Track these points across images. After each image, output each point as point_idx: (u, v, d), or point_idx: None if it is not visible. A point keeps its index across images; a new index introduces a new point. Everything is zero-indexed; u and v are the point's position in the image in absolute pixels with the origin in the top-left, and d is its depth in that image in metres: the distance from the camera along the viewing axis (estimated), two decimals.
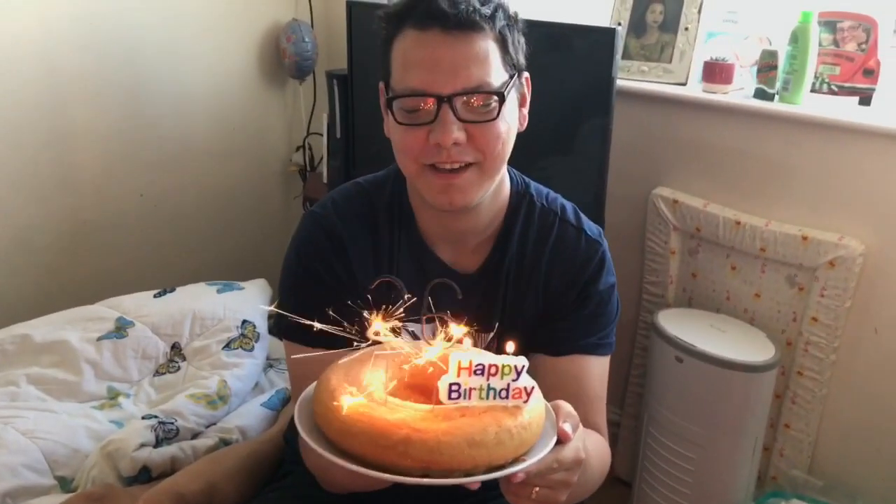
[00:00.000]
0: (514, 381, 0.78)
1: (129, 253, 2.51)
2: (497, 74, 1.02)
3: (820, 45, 1.82)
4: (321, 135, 2.61)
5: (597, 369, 1.17)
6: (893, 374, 1.81)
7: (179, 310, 1.93)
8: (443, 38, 0.99)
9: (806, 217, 1.85)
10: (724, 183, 1.98)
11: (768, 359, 1.81)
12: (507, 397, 0.79)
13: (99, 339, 1.82)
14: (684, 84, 2.01)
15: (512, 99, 1.06)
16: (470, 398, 0.78)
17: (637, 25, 2.08)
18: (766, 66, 1.86)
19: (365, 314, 0.83)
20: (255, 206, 2.80)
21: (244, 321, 1.91)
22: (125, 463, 1.44)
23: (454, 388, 0.77)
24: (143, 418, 1.57)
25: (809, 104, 1.82)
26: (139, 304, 1.96)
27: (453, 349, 0.81)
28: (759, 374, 1.81)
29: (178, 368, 1.83)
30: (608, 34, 1.75)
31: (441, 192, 1.04)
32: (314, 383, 0.86)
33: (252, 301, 2.00)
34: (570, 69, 1.86)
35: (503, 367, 0.78)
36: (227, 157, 2.71)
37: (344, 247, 1.14)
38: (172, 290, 2.06)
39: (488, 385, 0.78)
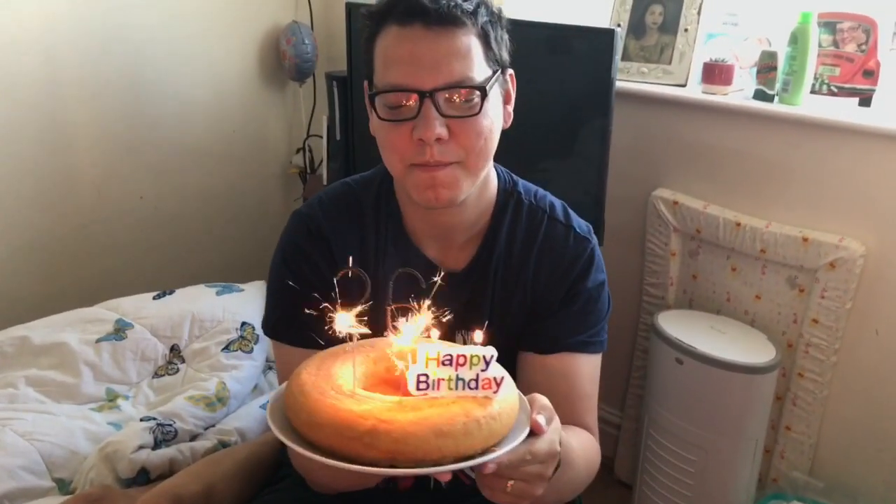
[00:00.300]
0: (482, 371, 0.78)
1: (129, 255, 2.51)
2: (479, 70, 1.02)
3: (820, 46, 1.82)
4: (321, 137, 2.61)
5: (586, 368, 1.16)
6: (894, 376, 1.80)
7: (178, 312, 1.93)
8: (424, 33, 0.99)
9: (806, 218, 1.85)
10: (724, 184, 1.97)
11: (769, 360, 1.81)
12: (476, 388, 0.79)
13: (98, 340, 1.81)
14: (684, 85, 2.00)
15: (495, 95, 1.06)
16: (438, 389, 0.78)
17: (636, 27, 2.08)
18: (766, 67, 1.86)
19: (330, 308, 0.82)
20: (255, 209, 2.80)
21: (243, 323, 1.91)
22: (123, 465, 1.44)
23: (422, 378, 0.77)
24: (141, 420, 1.57)
25: (809, 105, 1.82)
26: (138, 306, 1.96)
27: (422, 341, 0.81)
28: (759, 376, 1.80)
29: (177, 370, 1.83)
30: (607, 35, 1.75)
31: (427, 187, 1.04)
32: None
33: (251, 303, 2.00)
34: (570, 71, 1.86)
35: (471, 357, 0.78)
36: (227, 159, 2.71)
37: (329, 246, 1.15)
38: (172, 291, 2.06)
39: (457, 375, 0.78)
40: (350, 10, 2.14)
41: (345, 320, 0.80)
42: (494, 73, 1.05)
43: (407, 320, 0.83)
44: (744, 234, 1.91)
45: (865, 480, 1.89)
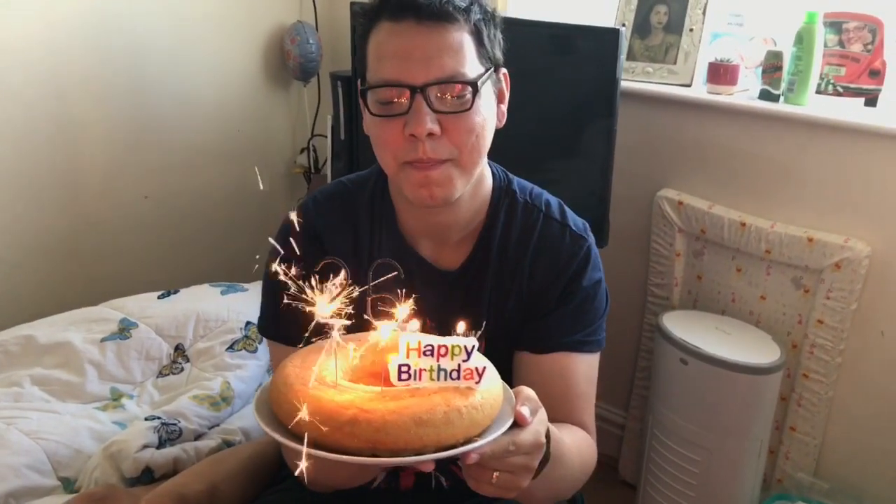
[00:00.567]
0: (464, 361, 0.79)
1: (134, 254, 2.51)
2: (472, 66, 1.02)
3: (825, 45, 1.82)
4: (325, 136, 2.61)
5: (583, 367, 1.15)
6: None
7: (183, 311, 1.93)
8: (416, 28, 1.00)
9: (811, 219, 1.84)
10: (729, 184, 1.97)
11: (774, 361, 1.81)
12: (458, 378, 0.79)
13: (102, 340, 1.82)
14: (689, 85, 2.00)
15: (488, 92, 1.06)
16: (420, 379, 0.78)
17: (641, 26, 2.08)
18: (771, 67, 1.86)
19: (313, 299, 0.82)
20: (260, 208, 2.80)
21: (248, 323, 1.91)
22: (128, 464, 1.44)
23: (403, 369, 0.78)
24: (146, 419, 1.57)
25: (815, 105, 1.82)
26: (143, 306, 1.96)
27: (402, 332, 0.82)
28: (764, 377, 1.80)
29: (182, 370, 1.83)
30: (612, 35, 1.75)
31: (420, 185, 1.04)
32: None
33: (256, 303, 1.98)
34: (575, 70, 1.86)
35: (452, 347, 0.78)
36: (232, 158, 2.72)
37: (322, 244, 1.15)
38: (176, 291, 2.06)
39: (438, 366, 0.78)
40: (354, 9, 2.14)
41: (324, 307, 0.80)
42: (487, 70, 1.05)
43: (387, 310, 0.83)
44: (749, 235, 1.90)
45: (871, 481, 1.89)
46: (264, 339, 1.86)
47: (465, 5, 1.02)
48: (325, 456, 0.74)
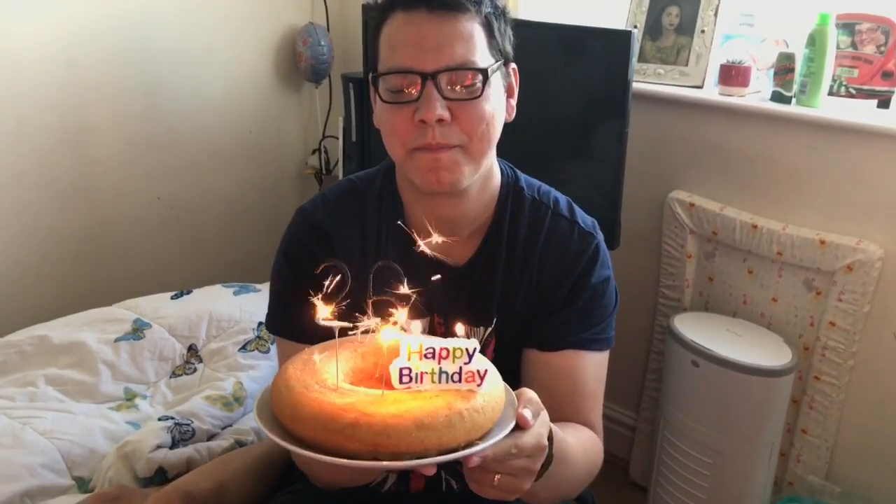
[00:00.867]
0: (465, 364, 0.78)
1: (147, 255, 2.53)
2: (482, 55, 1.03)
3: (838, 47, 1.81)
4: (337, 138, 2.62)
5: (591, 365, 1.15)
6: None
7: (196, 312, 1.94)
8: (428, 17, 1.02)
9: (823, 221, 1.84)
10: (740, 186, 1.97)
11: (785, 363, 1.80)
12: (459, 381, 0.79)
13: (116, 340, 1.83)
14: (700, 87, 2.00)
15: (497, 84, 1.07)
16: (422, 382, 0.78)
17: (653, 28, 2.08)
18: (783, 68, 1.85)
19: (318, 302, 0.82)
20: (272, 209, 2.81)
21: (260, 323, 1.92)
22: (141, 464, 1.45)
23: (405, 372, 0.78)
24: (159, 419, 1.58)
25: (827, 107, 1.81)
26: (156, 306, 1.98)
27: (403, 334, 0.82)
28: (775, 379, 1.79)
29: (195, 370, 1.84)
30: (624, 37, 1.75)
31: (429, 169, 1.04)
32: None
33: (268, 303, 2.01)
34: (586, 72, 1.86)
35: (454, 349, 0.78)
36: (244, 160, 2.73)
37: (330, 241, 1.16)
38: (189, 291, 2.07)
39: (440, 369, 0.78)
40: (366, 11, 2.15)
41: (324, 312, 0.80)
42: (497, 62, 1.06)
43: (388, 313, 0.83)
44: (760, 237, 1.90)
45: (882, 485, 1.88)
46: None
47: None
48: (326, 459, 0.74)
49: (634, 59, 1.77)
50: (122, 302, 2.01)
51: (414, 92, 1.02)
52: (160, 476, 1.45)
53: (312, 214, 1.18)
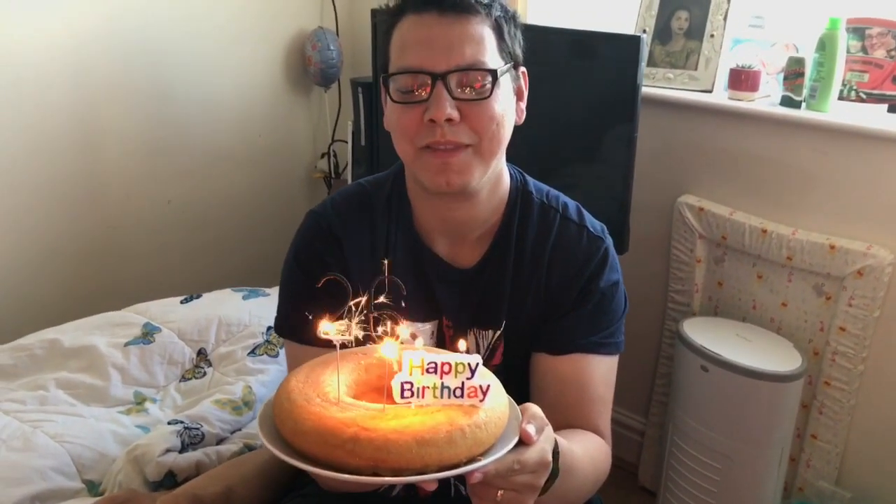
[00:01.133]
0: (468, 379, 0.78)
1: (157, 259, 2.54)
2: (492, 57, 1.04)
3: (848, 51, 1.80)
4: (346, 142, 2.62)
5: (599, 370, 1.15)
6: None
7: (205, 316, 1.95)
8: (439, 20, 1.03)
9: (833, 226, 1.83)
10: (750, 191, 1.96)
11: (795, 368, 1.80)
12: (462, 396, 0.78)
13: (126, 344, 1.84)
14: (710, 91, 2.00)
15: (507, 85, 1.08)
16: (423, 397, 0.78)
17: (662, 32, 2.07)
18: (793, 73, 1.85)
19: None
20: (281, 213, 2.82)
21: (269, 327, 1.93)
22: (151, 468, 1.45)
23: (406, 386, 0.77)
24: (168, 423, 1.58)
25: (837, 112, 1.80)
26: (166, 310, 1.98)
27: (406, 348, 0.81)
28: (785, 384, 1.79)
29: (204, 374, 1.85)
30: (633, 42, 1.75)
31: (438, 171, 1.05)
32: None
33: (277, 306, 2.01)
34: (596, 77, 1.86)
35: (456, 364, 0.78)
36: (253, 164, 2.74)
37: (340, 244, 1.16)
38: (199, 296, 2.08)
39: (442, 384, 0.78)
40: (375, 15, 2.15)
41: (327, 327, 0.80)
42: (506, 64, 1.07)
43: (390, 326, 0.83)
44: (770, 241, 1.89)
45: (893, 490, 1.87)
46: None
47: (486, 0, 1.05)
48: (326, 474, 0.74)
49: (643, 63, 1.77)
50: (132, 306, 2.02)
51: (424, 93, 1.03)
52: (170, 480, 1.46)
53: (322, 217, 1.18)
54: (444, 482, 1.21)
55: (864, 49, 1.83)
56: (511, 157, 1.17)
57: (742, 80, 1.92)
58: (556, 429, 0.92)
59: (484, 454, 0.79)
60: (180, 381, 1.84)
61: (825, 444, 1.91)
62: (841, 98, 1.84)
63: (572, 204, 1.22)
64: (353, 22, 2.82)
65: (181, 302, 2.04)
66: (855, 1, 1.86)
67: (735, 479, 1.87)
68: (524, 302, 1.16)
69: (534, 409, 0.87)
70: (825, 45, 1.77)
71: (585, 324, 1.15)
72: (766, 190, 1.93)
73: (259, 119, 2.71)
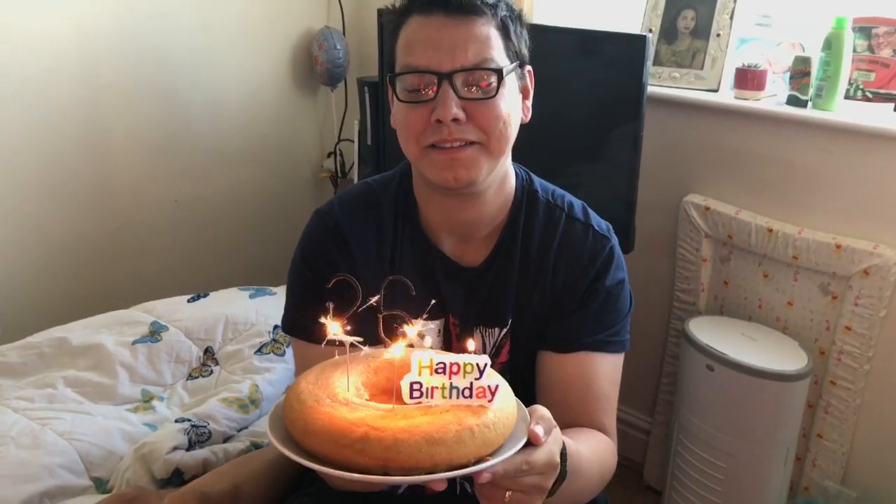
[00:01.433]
0: (476, 379, 0.78)
1: (164, 258, 2.55)
2: (498, 57, 1.05)
3: (854, 50, 1.80)
4: (352, 141, 2.63)
5: (605, 368, 1.16)
6: None
7: (213, 314, 1.96)
8: (445, 20, 1.03)
9: (839, 225, 1.83)
10: (756, 190, 1.96)
11: (801, 368, 1.80)
12: (470, 396, 0.79)
13: (134, 342, 1.84)
14: (716, 90, 2.00)
15: (512, 84, 1.08)
16: (432, 397, 0.78)
17: (668, 32, 2.08)
18: (799, 72, 1.85)
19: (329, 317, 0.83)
20: (287, 212, 2.83)
21: (275, 326, 1.93)
22: (158, 465, 1.46)
23: (415, 387, 0.78)
24: (176, 421, 1.59)
25: (843, 111, 1.80)
26: (173, 309, 1.99)
27: (415, 349, 0.82)
28: (791, 384, 1.79)
29: (211, 372, 1.86)
30: (639, 41, 1.75)
31: (445, 168, 1.06)
32: None
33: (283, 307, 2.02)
34: (602, 76, 1.86)
35: (465, 365, 0.78)
36: (260, 163, 2.75)
37: (347, 242, 1.17)
38: (206, 294, 2.09)
39: (451, 384, 0.78)
40: (381, 15, 2.16)
41: (336, 329, 0.81)
42: (512, 63, 1.07)
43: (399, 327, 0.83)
44: (776, 241, 1.89)
45: None
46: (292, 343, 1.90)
47: (492, 1, 1.06)
48: (336, 474, 0.75)
49: (649, 62, 1.77)
50: (139, 304, 2.03)
51: (430, 92, 1.03)
52: (177, 477, 1.46)
53: (329, 216, 1.19)
54: (450, 481, 1.22)
55: (870, 48, 1.83)
56: (517, 156, 1.17)
57: (748, 79, 1.92)
58: (562, 426, 0.92)
59: (492, 455, 0.79)
60: (187, 379, 1.85)
61: (831, 443, 1.91)
62: (847, 97, 1.84)
63: (578, 203, 1.22)
64: (360, 21, 2.82)
65: (188, 301, 2.05)
66: (861, 0, 1.86)
67: (741, 479, 1.87)
68: (530, 300, 1.17)
69: (542, 410, 0.88)
70: (831, 45, 1.77)
71: (591, 322, 1.15)
72: (772, 189, 1.93)
73: (265, 118, 2.72)
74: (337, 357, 0.88)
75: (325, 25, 2.72)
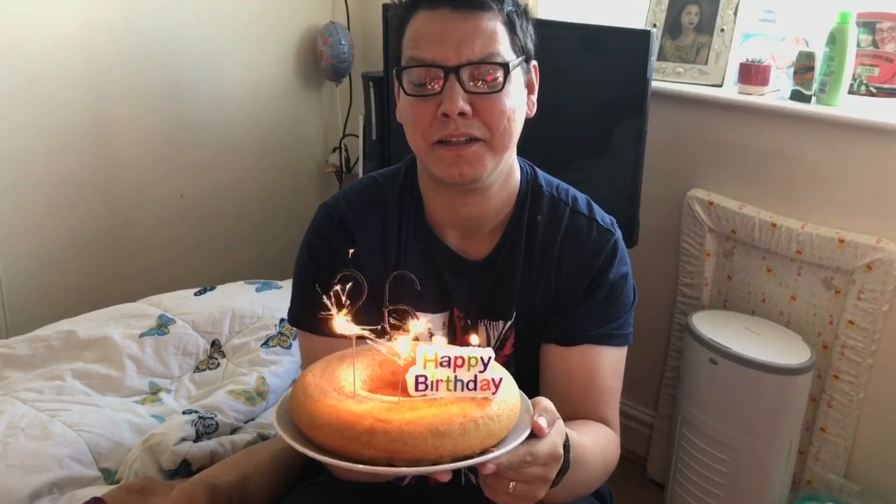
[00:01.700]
0: (480, 372, 0.80)
1: (170, 252, 2.56)
2: (504, 51, 1.06)
3: (858, 45, 1.81)
4: (357, 136, 2.64)
5: (608, 361, 1.16)
6: None
7: (219, 308, 1.97)
8: (452, 15, 1.04)
9: (843, 220, 1.84)
10: (759, 185, 1.97)
11: (804, 362, 1.80)
12: (475, 388, 0.80)
13: (141, 335, 1.86)
14: (720, 86, 2.00)
15: (518, 80, 1.09)
16: (437, 390, 0.79)
17: (672, 27, 2.08)
18: (803, 67, 1.85)
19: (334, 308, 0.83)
20: (292, 207, 2.84)
21: (282, 319, 1.95)
22: (166, 456, 1.47)
23: (421, 379, 0.79)
24: (183, 413, 1.60)
25: (847, 106, 1.81)
26: (180, 302, 2.00)
27: (422, 343, 0.83)
28: (794, 377, 1.80)
29: (218, 365, 1.87)
30: (643, 36, 1.76)
31: (451, 164, 1.06)
32: None
33: (289, 300, 2.03)
34: (606, 71, 1.87)
35: (469, 358, 0.79)
36: (265, 158, 2.76)
37: (352, 235, 1.17)
38: (213, 288, 2.10)
39: (455, 377, 0.79)
40: (387, 10, 2.17)
41: (341, 322, 0.82)
42: (518, 58, 1.08)
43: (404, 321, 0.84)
44: (779, 235, 1.90)
45: None
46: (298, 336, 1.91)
47: None
48: (343, 465, 0.76)
49: (654, 57, 1.77)
50: (146, 298, 2.05)
51: (437, 86, 1.04)
52: (185, 468, 1.48)
53: (334, 210, 1.20)
54: (455, 472, 1.23)
55: (874, 43, 1.83)
56: (522, 151, 1.18)
57: (752, 74, 1.92)
58: (565, 419, 0.93)
59: (496, 446, 0.80)
60: (194, 371, 1.86)
61: (834, 437, 1.92)
62: (851, 92, 1.84)
63: (582, 197, 1.23)
64: (364, 16, 2.83)
65: (195, 294, 2.06)
66: None
67: (743, 472, 1.88)
68: (534, 294, 1.18)
69: (545, 402, 0.89)
70: (835, 40, 1.77)
71: (594, 316, 1.16)
72: (776, 184, 1.94)
73: (270, 113, 2.73)
74: (342, 351, 0.89)
75: (329, 20, 2.73)
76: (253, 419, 1.68)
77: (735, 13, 1.97)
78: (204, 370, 1.86)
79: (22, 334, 1.88)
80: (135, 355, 1.81)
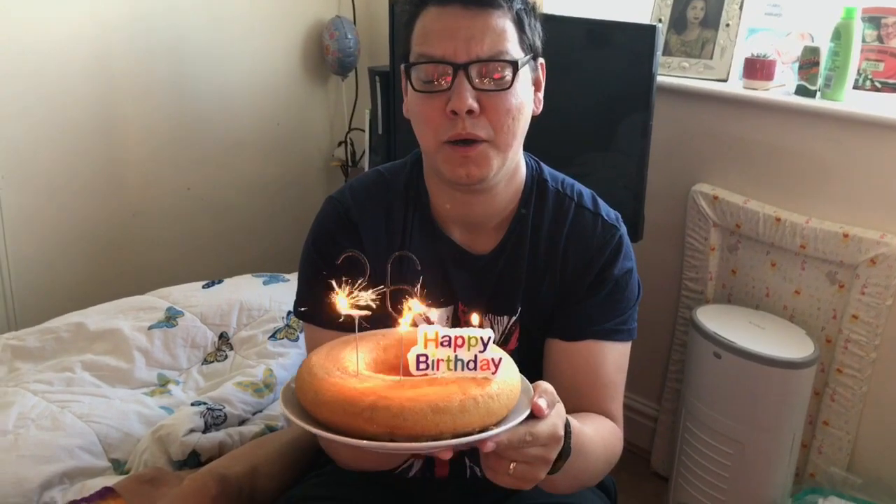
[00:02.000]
0: (480, 352, 0.81)
1: (177, 245, 2.58)
2: (513, 49, 1.06)
3: (863, 41, 1.81)
4: (363, 130, 2.65)
5: (612, 355, 1.17)
6: None
7: (227, 300, 1.99)
8: (462, 12, 1.05)
9: (847, 214, 1.84)
10: (764, 180, 1.97)
11: (807, 356, 1.81)
12: (475, 368, 0.81)
13: (150, 327, 1.88)
14: (725, 80, 2.01)
15: (526, 77, 1.09)
16: (438, 369, 0.81)
17: (678, 22, 2.08)
18: (808, 62, 1.86)
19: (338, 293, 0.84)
20: (299, 201, 2.85)
21: (289, 312, 1.96)
22: (175, 447, 1.49)
23: (422, 359, 0.81)
24: (192, 405, 1.62)
25: (852, 101, 1.81)
26: (188, 295, 2.02)
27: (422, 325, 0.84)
28: (798, 371, 1.80)
29: (226, 357, 1.89)
30: (649, 31, 1.76)
31: (459, 164, 1.07)
32: None
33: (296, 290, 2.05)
34: (611, 66, 1.88)
35: (469, 338, 0.81)
36: (272, 152, 2.77)
37: (357, 229, 1.18)
38: (220, 281, 2.12)
39: (455, 356, 0.81)
40: (393, 4, 2.17)
41: (343, 301, 0.83)
42: (526, 55, 1.09)
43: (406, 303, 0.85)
44: (784, 230, 1.91)
45: None
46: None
47: None
48: (345, 441, 0.77)
49: (659, 52, 1.78)
50: (155, 290, 2.06)
51: (445, 82, 1.04)
52: (193, 459, 1.50)
53: (340, 203, 1.21)
54: (458, 463, 1.24)
55: (879, 38, 1.84)
56: (527, 146, 1.19)
57: (757, 69, 1.93)
58: (569, 412, 0.94)
59: (497, 425, 0.81)
60: (203, 363, 1.88)
61: (837, 430, 1.93)
62: (856, 87, 1.84)
63: (587, 192, 1.24)
64: (371, 11, 2.84)
65: (203, 287, 2.08)
66: None
67: (747, 465, 1.89)
68: (539, 289, 1.18)
69: (545, 385, 0.90)
70: (840, 35, 1.77)
71: (599, 311, 1.17)
72: (781, 179, 1.94)
73: (277, 108, 2.74)
74: (347, 336, 0.91)
75: (336, 15, 2.73)
76: (261, 411, 1.70)
77: (740, 8, 1.98)
78: (212, 362, 1.88)
79: (32, 326, 1.90)
80: (144, 347, 1.83)
